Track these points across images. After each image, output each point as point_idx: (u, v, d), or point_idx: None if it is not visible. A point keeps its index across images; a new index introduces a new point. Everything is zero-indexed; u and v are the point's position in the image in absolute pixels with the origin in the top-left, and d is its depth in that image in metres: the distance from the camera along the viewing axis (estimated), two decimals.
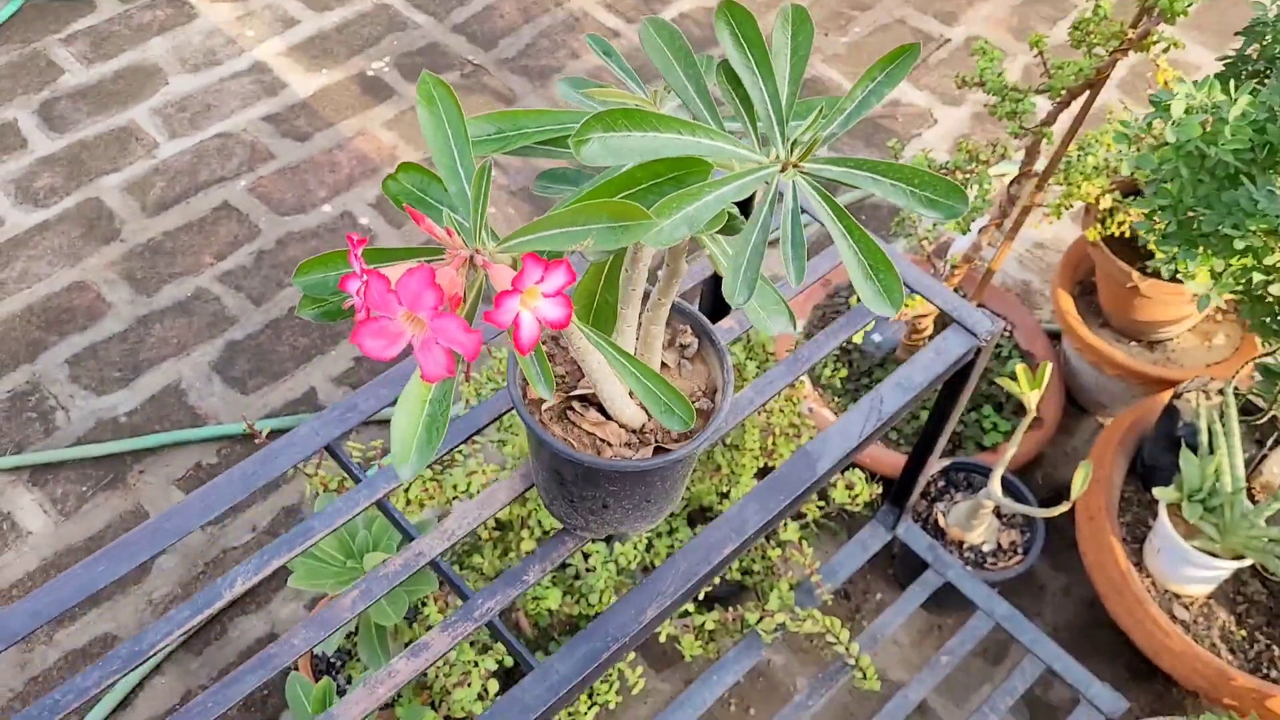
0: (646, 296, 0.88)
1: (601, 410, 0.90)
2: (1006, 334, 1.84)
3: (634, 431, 0.91)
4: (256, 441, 1.39)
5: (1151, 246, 1.13)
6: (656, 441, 0.90)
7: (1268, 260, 1.03)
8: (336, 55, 2.34)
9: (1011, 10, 2.49)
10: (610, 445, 0.90)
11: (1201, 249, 1.07)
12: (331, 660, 1.42)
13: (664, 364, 0.95)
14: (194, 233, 2.03)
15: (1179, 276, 1.08)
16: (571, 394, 0.92)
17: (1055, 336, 1.88)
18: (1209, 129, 1.07)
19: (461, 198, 0.68)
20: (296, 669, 1.36)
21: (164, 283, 1.96)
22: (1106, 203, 1.53)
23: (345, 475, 1.37)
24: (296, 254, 1.99)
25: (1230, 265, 1.06)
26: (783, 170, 0.67)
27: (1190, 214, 1.09)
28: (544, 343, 0.94)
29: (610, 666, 0.98)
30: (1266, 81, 1.12)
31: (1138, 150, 1.12)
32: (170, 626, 0.95)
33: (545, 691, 0.93)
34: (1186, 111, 1.07)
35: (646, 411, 0.90)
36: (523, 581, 0.99)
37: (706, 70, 0.72)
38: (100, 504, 1.70)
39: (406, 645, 1.43)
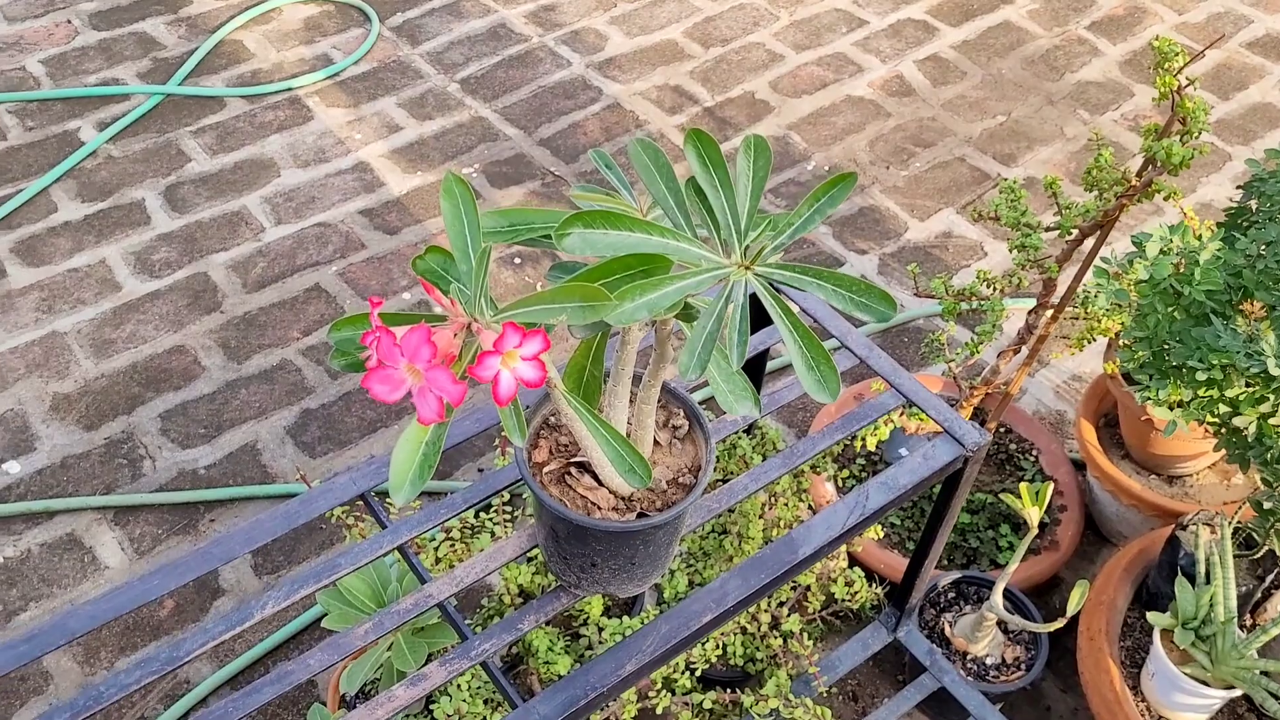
0: (638, 379, 1.01)
1: (596, 478, 1.02)
2: (1032, 459, 1.90)
3: (623, 499, 1.02)
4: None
5: (1129, 371, 1.21)
6: (641, 509, 1.02)
7: (1229, 392, 1.11)
8: (431, 160, 2.57)
9: (1070, 156, 2.60)
10: (600, 508, 1.01)
11: (1172, 379, 1.16)
12: (356, 701, 1.53)
13: (656, 442, 1.06)
14: (286, 310, 2.23)
15: (1149, 402, 1.16)
16: (571, 460, 1.04)
17: (1081, 466, 1.94)
18: (1182, 270, 1.16)
19: (469, 275, 0.82)
20: (324, 704, 1.48)
21: (254, 352, 2.15)
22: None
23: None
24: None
25: (1196, 396, 1.14)
26: (737, 270, 0.80)
27: (1164, 346, 1.18)
28: (553, 414, 1.07)
29: (587, 714, 1.07)
30: (1249, 232, 1.22)
31: (1116, 285, 1.21)
32: (205, 638, 1.08)
33: None
34: (1161, 252, 1.17)
35: None
36: (518, 629, 1.10)
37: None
38: (172, 546, 1.86)
39: None
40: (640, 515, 1.01)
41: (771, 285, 0.80)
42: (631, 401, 1.01)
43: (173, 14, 2.98)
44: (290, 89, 2.74)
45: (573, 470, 1.03)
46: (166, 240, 2.36)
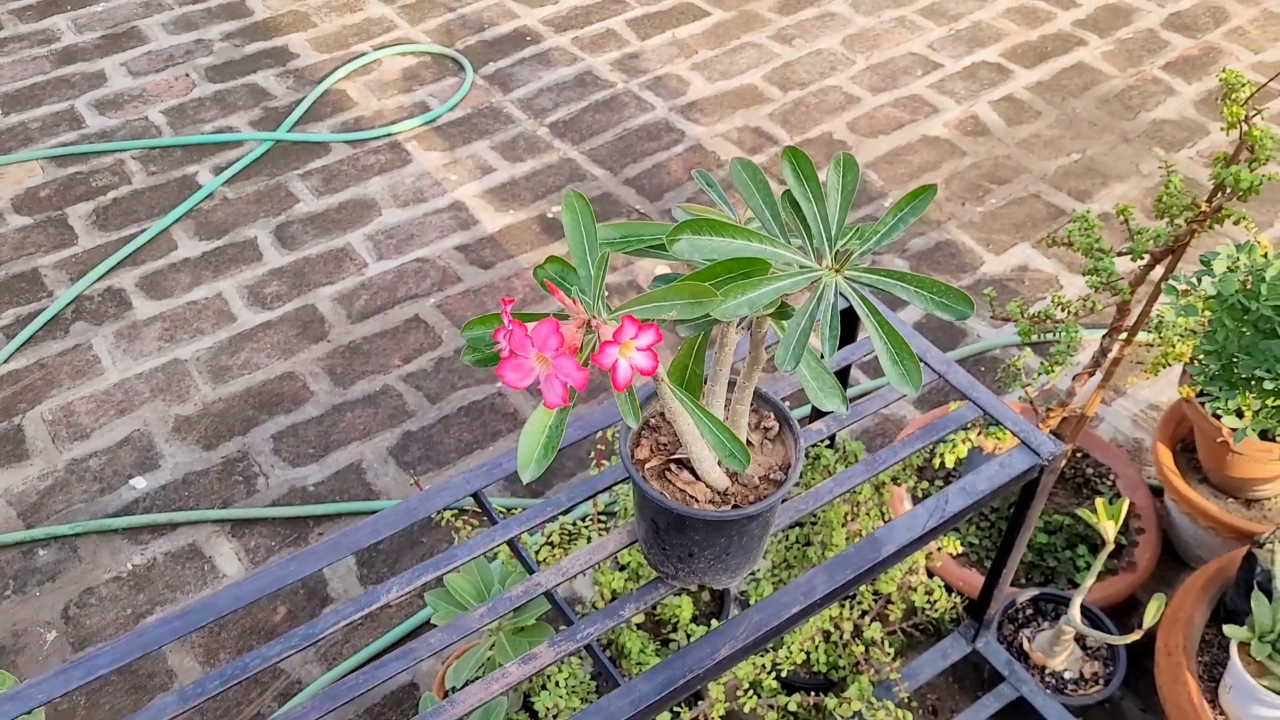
0: (733, 385, 1.10)
1: (694, 474, 1.11)
2: (1109, 483, 1.94)
3: (719, 493, 1.11)
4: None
5: (1200, 387, 1.27)
6: (735, 502, 1.10)
7: None
8: (523, 199, 2.70)
9: (1145, 192, 2.65)
10: (698, 501, 1.10)
11: (1241, 390, 1.21)
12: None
13: (749, 442, 1.15)
14: (388, 339, 2.36)
15: (1219, 415, 1.22)
16: (671, 458, 1.13)
17: (1159, 492, 1.97)
18: (1249, 286, 1.22)
19: (587, 279, 0.92)
20: (430, 691, 1.57)
21: (358, 378, 2.28)
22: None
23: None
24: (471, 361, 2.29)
25: (1265, 405, 1.19)
26: (828, 273, 0.89)
27: (1233, 359, 1.23)
28: (654, 416, 1.16)
29: (684, 694, 1.15)
30: None
31: (1185, 302, 1.28)
32: (337, 618, 1.19)
33: (627, 705, 1.11)
34: (1229, 269, 1.23)
35: (730, 478, 1.11)
36: (619, 615, 1.18)
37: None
38: (284, 557, 1.98)
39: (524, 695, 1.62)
40: (734, 509, 1.09)
41: (858, 289, 0.89)
42: (726, 405, 1.10)
43: (282, 66, 3.18)
44: (390, 134, 2.91)
45: (672, 467, 1.12)
46: (277, 275, 2.52)
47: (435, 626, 1.52)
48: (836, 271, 0.89)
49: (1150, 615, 1.46)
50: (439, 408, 2.22)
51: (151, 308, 2.44)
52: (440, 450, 2.14)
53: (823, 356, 0.90)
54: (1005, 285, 2.43)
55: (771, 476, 1.12)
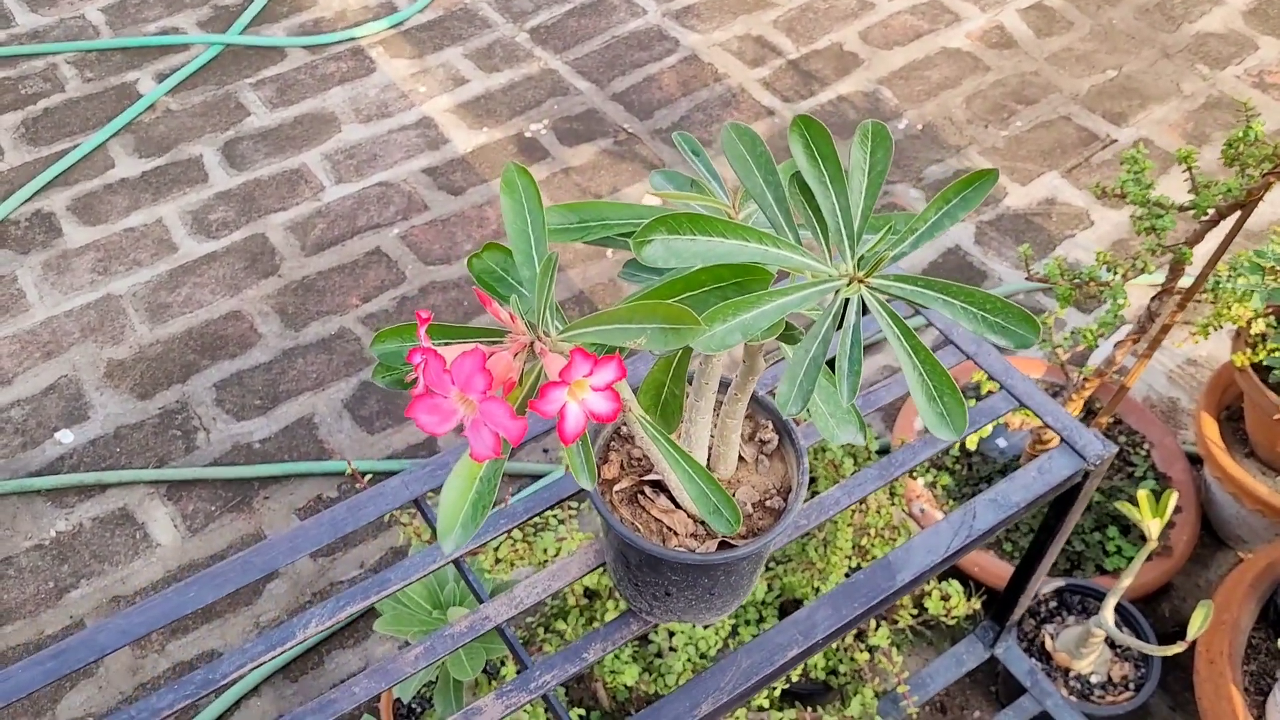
0: (725, 386, 0.89)
1: (672, 498, 0.91)
2: (1143, 453, 1.74)
3: (701, 523, 0.90)
4: (358, 485, 1.44)
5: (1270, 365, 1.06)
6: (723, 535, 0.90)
7: None
8: (499, 115, 2.44)
9: (1187, 115, 2.39)
10: (676, 534, 0.90)
11: None
12: (412, 706, 1.45)
13: (742, 458, 0.94)
14: (345, 274, 2.13)
15: None
16: (644, 478, 0.92)
17: (1197, 460, 1.78)
18: None
19: (532, 283, 0.70)
20: (375, 713, 1.40)
21: (312, 319, 2.06)
22: (1259, 327, 1.45)
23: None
24: (437, 302, 2.07)
25: None
26: (849, 284, 0.67)
27: None
28: (626, 423, 0.95)
29: None
30: None
31: (1274, 281, 1.06)
32: (244, 659, 0.99)
33: None
34: None
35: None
36: (582, 659, 0.99)
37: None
38: (225, 524, 1.79)
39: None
40: (722, 544, 0.89)
41: (887, 299, 0.67)
42: (715, 410, 0.89)
43: None
44: (353, 39, 2.63)
45: (646, 489, 0.92)
46: (224, 199, 2.28)
47: (380, 628, 1.33)
48: (860, 281, 0.66)
49: (1195, 626, 1.27)
50: None
51: (84, 235, 2.21)
52: (401, 404, 1.93)
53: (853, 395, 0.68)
54: (1030, 221, 2.19)
55: (768, 503, 0.92)
